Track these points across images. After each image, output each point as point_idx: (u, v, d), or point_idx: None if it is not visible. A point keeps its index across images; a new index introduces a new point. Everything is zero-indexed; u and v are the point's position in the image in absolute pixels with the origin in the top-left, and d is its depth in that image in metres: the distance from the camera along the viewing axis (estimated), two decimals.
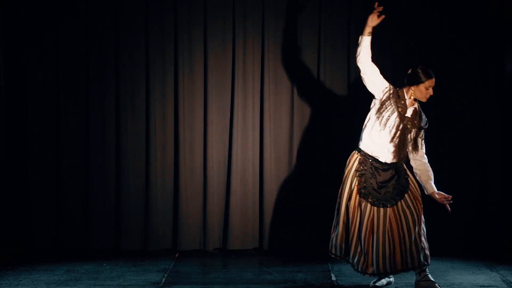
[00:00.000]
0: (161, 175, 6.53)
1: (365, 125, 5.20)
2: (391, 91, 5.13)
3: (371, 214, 5.12)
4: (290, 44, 6.51)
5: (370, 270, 5.11)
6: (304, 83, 6.55)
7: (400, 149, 5.14)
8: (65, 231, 6.49)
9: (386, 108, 5.12)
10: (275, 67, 6.52)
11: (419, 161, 5.21)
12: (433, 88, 5.13)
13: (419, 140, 5.20)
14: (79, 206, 6.50)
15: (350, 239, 5.15)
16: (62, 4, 6.45)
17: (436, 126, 6.47)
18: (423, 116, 5.20)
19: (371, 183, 5.14)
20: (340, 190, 5.22)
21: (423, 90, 5.11)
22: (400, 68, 6.46)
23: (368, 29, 5.07)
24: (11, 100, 6.43)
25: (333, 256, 5.25)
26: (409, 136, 5.14)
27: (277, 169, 6.56)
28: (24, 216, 6.45)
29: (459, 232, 6.46)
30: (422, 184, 5.21)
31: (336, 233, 5.22)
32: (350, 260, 5.17)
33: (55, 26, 6.46)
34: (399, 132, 5.11)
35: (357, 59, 5.12)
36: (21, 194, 6.45)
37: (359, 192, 5.15)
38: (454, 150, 6.48)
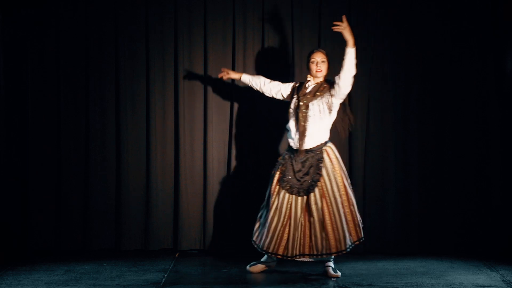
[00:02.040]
0: (161, 175, 6.53)
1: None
2: (297, 85, 5.73)
3: (290, 202, 5.51)
4: (290, 44, 6.51)
5: (281, 252, 5.55)
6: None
7: (300, 127, 5.55)
8: (65, 231, 6.49)
9: (292, 98, 5.69)
10: (275, 67, 6.51)
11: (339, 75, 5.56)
12: (327, 63, 5.62)
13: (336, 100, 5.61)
14: (79, 206, 6.49)
15: (271, 226, 5.54)
16: (62, 4, 6.45)
17: (436, 126, 6.47)
18: (324, 85, 5.61)
19: (289, 172, 5.53)
20: None
21: (311, 67, 5.65)
22: (402, 69, 6.49)
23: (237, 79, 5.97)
24: (11, 100, 6.43)
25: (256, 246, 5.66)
26: (308, 111, 5.54)
27: None
28: (24, 216, 6.45)
29: (459, 232, 6.46)
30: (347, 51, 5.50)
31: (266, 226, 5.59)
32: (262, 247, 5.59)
33: (55, 25, 6.46)
34: (297, 111, 5.58)
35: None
36: (21, 194, 6.45)
37: (278, 181, 5.57)
38: (454, 150, 6.47)
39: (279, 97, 5.84)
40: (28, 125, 6.47)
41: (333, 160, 5.56)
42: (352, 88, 6.44)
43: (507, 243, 6.36)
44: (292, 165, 5.57)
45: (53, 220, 6.49)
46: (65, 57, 6.48)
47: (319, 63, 5.62)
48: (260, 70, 6.48)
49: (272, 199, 5.58)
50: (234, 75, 6.01)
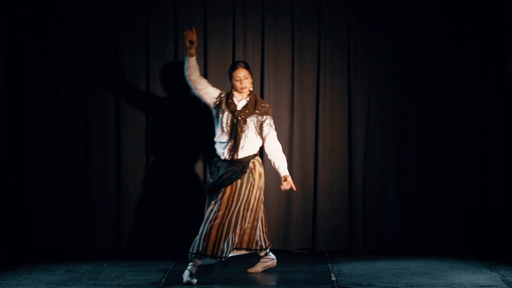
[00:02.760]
0: (161, 175, 6.53)
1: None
2: (223, 96, 5.59)
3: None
4: (290, 44, 6.51)
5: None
6: (304, 83, 6.54)
7: (237, 141, 5.49)
8: (65, 231, 6.48)
9: (220, 111, 5.55)
10: (275, 67, 6.51)
11: (272, 147, 5.60)
12: (253, 79, 5.64)
13: (265, 128, 5.57)
14: (79, 206, 6.49)
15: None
16: (62, 4, 6.45)
17: (436, 126, 6.47)
18: (262, 104, 5.58)
19: (215, 180, 5.52)
20: None
21: (235, 84, 5.57)
22: (402, 69, 6.49)
23: (190, 51, 5.53)
24: (11, 100, 6.43)
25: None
26: (245, 126, 5.51)
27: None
28: (24, 216, 6.45)
29: (459, 232, 6.46)
30: (277, 169, 5.60)
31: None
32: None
33: (55, 25, 6.46)
34: (233, 126, 5.49)
35: (187, 79, 5.58)
36: (21, 194, 6.45)
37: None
38: (454, 150, 6.47)
39: (204, 97, 5.62)
40: (28, 125, 6.47)
41: (256, 173, 5.54)
42: (352, 88, 6.50)
43: (507, 243, 6.36)
44: (219, 175, 5.52)
45: (53, 220, 6.49)
46: (65, 57, 6.48)
47: (242, 80, 5.55)
48: (260, 69, 6.49)
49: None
50: (192, 47, 5.54)
